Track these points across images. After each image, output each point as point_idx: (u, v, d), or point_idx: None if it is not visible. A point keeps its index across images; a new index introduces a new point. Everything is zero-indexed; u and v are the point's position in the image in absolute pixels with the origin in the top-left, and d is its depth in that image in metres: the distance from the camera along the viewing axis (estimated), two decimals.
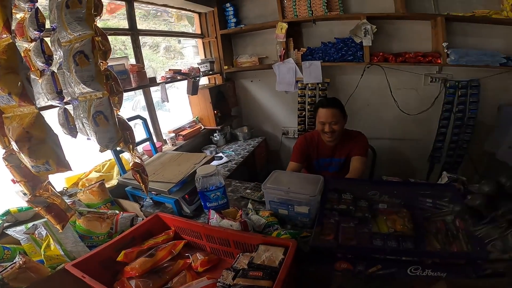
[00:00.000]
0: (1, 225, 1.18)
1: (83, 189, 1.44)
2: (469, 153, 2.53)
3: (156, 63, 2.81)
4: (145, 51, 2.49)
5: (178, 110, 2.79)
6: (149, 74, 2.05)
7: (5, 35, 0.73)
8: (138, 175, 1.05)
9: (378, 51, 2.44)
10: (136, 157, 1.09)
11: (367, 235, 0.95)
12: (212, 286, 0.88)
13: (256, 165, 2.78)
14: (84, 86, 0.81)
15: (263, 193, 1.27)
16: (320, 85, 2.66)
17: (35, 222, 1.12)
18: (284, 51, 2.64)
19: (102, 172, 1.80)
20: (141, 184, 1.08)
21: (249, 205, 1.29)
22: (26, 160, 0.79)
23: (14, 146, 0.78)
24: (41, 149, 0.79)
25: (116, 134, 0.90)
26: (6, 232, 1.13)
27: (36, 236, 1.07)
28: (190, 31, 3.02)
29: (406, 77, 2.51)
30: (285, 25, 2.54)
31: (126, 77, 1.80)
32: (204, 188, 1.29)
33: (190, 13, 2.82)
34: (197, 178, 1.30)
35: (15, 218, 1.25)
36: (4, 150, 0.87)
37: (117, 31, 2.08)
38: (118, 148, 1.60)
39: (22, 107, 0.76)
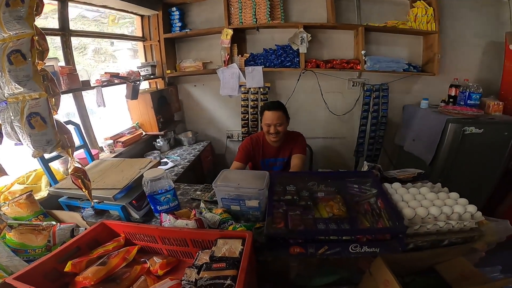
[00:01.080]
0: None
1: (7, 202, 1.27)
2: (384, 147, 3.01)
3: (83, 66, 2.56)
4: None
5: (113, 116, 2.60)
6: (82, 77, 1.90)
7: None
8: (79, 180, 0.99)
9: (311, 58, 2.71)
10: (76, 162, 1.03)
11: (311, 221, 1.06)
12: (176, 286, 0.88)
13: (203, 169, 2.79)
14: (18, 86, 0.76)
15: (215, 191, 1.31)
16: (261, 90, 2.83)
17: None
18: (228, 56, 2.72)
19: (27, 184, 1.60)
20: (84, 191, 1.02)
21: (202, 204, 1.32)
22: None
23: None
24: None
25: (54, 137, 0.86)
26: None
27: None
28: (126, 32, 2.86)
29: (334, 81, 2.85)
30: (230, 31, 2.62)
31: (55, 80, 1.64)
32: (153, 191, 1.28)
33: (130, 15, 2.68)
34: (144, 182, 1.28)
35: None
36: None
37: (47, 31, 1.87)
38: (48, 156, 1.47)
39: None
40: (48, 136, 0.86)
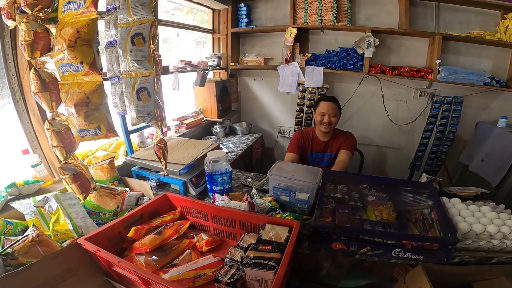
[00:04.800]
0: (5, 197, 1.17)
1: (91, 165, 1.43)
2: (445, 164, 2.77)
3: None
4: None
5: (181, 100, 2.86)
6: (164, 63, 2.14)
7: (92, 9, 0.81)
8: (161, 151, 1.14)
9: (376, 63, 2.61)
10: (161, 134, 1.19)
11: (358, 221, 1.08)
12: (218, 263, 0.94)
13: (252, 159, 2.91)
14: (136, 64, 0.89)
15: (268, 179, 1.39)
16: (319, 90, 2.82)
17: (46, 195, 1.11)
18: (290, 54, 2.78)
19: (109, 151, 1.86)
20: (162, 161, 1.17)
21: (254, 190, 1.41)
22: (78, 123, 0.87)
23: (71, 110, 0.86)
24: (96, 114, 0.87)
25: (153, 110, 0.99)
26: (11, 205, 1.11)
27: (46, 209, 1.05)
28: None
29: (398, 89, 2.71)
30: (294, 30, 2.67)
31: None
32: (212, 171, 1.39)
33: (204, 8, 2.91)
34: (207, 161, 1.40)
35: (20, 191, 1.24)
36: (50, 114, 0.94)
37: None
38: (131, 128, 1.68)
39: (88, 76, 0.84)
40: (149, 108, 0.99)
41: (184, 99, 2.85)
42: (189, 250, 1.04)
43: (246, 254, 0.85)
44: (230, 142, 2.74)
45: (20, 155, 1.36)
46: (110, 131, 0.93)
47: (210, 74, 3.09)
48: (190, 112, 2.76)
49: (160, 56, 2.03)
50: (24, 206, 1.09)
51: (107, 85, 1.03)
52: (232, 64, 3.03)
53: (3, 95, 1.40)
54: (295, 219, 1.14)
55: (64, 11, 0.83)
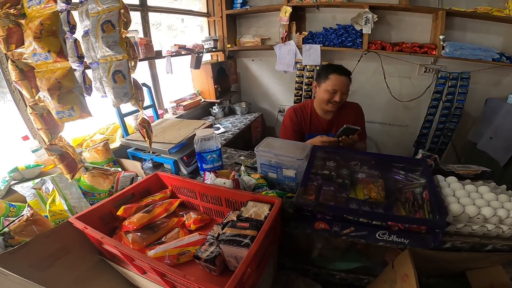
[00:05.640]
0: (8, 182, 1.21)
1: (87, 148, 1.47)
2: (453, 142, 2.67)
3: (159, 40, 2.83)
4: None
5: (180, 83, 2.87)
6: (156, 48, 2.15)
7: (50, 4, 0.88)
8: (144, 130, 1.16)
9: (376, 39, 2.52)
10: (144, 114, 1.20)
11: (344, 199, 1.04)
12: (202, 241, 0.94)
13: (252, 138, 2.92)
14: (107, 49, 0.95)
15: (256, 156, 1.38)
16: (317, 68, 2.75)
17: (43, 178, 1.14)
18: (286, 33, 2.72)
19: (106, 135, 1.90)
20: (146, 139, 1.18)
21: (242, 168, 1.40)
22: (53, 106, 0.92)
23: (45, 94, 0.91)
24: (68, 96, 0.93)
25: (130, 91, 1.03)
26: (13, 188, 1.16)
27: (43, 191, 1.09)
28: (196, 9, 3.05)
29: (401, 65, 2.61)
30: (289, 9, 2.59)
31: (135, 47, 1.90)
32: (202, 150, 1.39)
33: None
34: (196, 140, 1.39)
35: (22, 175, 1.28)
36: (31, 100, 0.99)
37: (130, 7, 2.14)
38: (125, 111, 1.70)
39: (57, 63, 0.91)
40: (126, 89, 1.04)
41: (183, 82, 2.85)
42: (177, 229, 1.05)
43: (223, 231, 0.85)
44: (228, 122, 2.75)
45: (21, 142, 1.41)
46: (84, 112, 0.98)
47: (208, 57, 3.07)
48: (188, 94, 2.76)
49: (150, 41, 2.06)
50: (25, 189, 1.14)
51: (89, 72, 1.10)
52: (229, 46, 3.00)
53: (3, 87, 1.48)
54: (279, 196, 1.11)
55: (29, 6, 0.90)
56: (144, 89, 1.87)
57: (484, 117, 2.42)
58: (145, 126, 1.18)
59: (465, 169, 1.26)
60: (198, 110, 2.75)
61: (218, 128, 2.50)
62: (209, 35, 3.06)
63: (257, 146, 1.30)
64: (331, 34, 2.62)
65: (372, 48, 2.50)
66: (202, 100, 2.81)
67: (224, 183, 1.16)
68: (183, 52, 2.36)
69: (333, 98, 1.52)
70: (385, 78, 2.65)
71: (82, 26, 1.10)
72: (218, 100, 2.78)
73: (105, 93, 1.20)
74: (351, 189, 1.12)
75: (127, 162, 1.50)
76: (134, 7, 2.16)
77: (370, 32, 2.44)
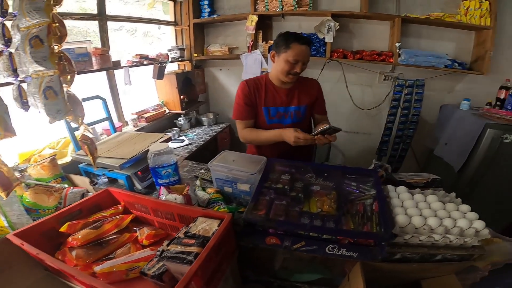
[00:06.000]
0: None
1: (33, 164, 1.40)
2: (412, 148, 2.78)
3: (132, 47, 2.75)
4: (122, 35, 2.49)
5: (144, 94, 2.78)
6: (115, 57, 2.08)
7: None
8: (86, 146, 1.11)
9: (339, 48, 2.57)
10: (86, 131, 1.14)
11: (296, 213, 1.01)
12: (153, 256, 0.91)
13: (218, 149, 2.86)
14: (37, 65, 0.92)
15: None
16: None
17: None
18: (252, 42, 2.73)
19: (57, 149, 1.79)
20: (89, 156, 1.13)
21: (197, 182, 1.36)
22: None
23: None
24: None
25: (64, 107, 1.00)
26: None
27: None
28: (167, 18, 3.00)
29: (363, 73, 2.69)
30: (255, 18, 2.61)
31: (87, 60, 1.83)
32: (156, 165, 1.34)
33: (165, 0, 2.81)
34: (149, 155, 1.34)
35: None
36: None
37: (85, 16, 2.05)
38: (73, 125, 1.62)
39: None
40: (58, 106, 1.00)
41: (148, 93, 2.76)
42: (129, 244, 1.02)
43: (168, 248, 0.83)
44: (194, 134, 2.69)
45: None
46: (8, 131, 0.93)
47: (175, 66, 3.01)
48: (152, 105, 2.68)
49: (107, 51, 1.98)
50: None
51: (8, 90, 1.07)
52: (195, 55, 2.96)
53: None
54: (230, 211, 1.10)
55: None
56: (98, 101, 1.81)
57: (439, 124, 2.54)
58: (86, 142, 1.12)
59: (416, 178, 1.29)
60: (162, 122, 2.67)
61: (183, 140, 2.43)
62: (176, 44, 3.01)
63: (212, 160, 1.28)
64: None
65: (334, 56, 2.56)
66: (167, 111, 2.73)
67: (175, 199, 1.13)
68: (145, 62, 2.28)
69: (294, 69, 1.40)
70: (347, 86, 2.73)
71: (15, 40, 1.05)
72: (184, 111, 2.71)
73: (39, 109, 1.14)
74: (305, 202, 1.10)
75: (76, 178, 1.43)
76: (91, 17, 2.07)
77: (332, 41, 2.50)
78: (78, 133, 1.83)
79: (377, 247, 0.89)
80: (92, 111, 1.78)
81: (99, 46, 2.10)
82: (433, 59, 2.38)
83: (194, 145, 2.40)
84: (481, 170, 1.96)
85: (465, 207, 0.99)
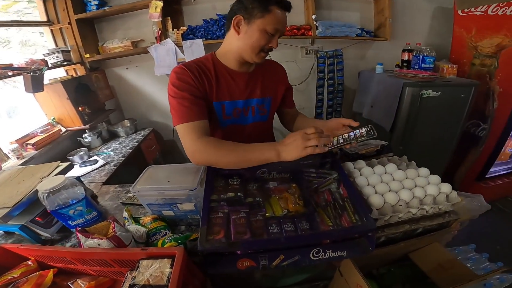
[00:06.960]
0: None
1: None
2: (343, 115, 2.90)
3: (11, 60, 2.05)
4: None
5: (25, 115, 2.12)
6: None
7: None
8: None
9: None
10: None
11: (261, 223, 0.82)
12: None
13: (147, 161, 2.45)
14: None
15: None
16: None
17: None
18: (160, 31, 2.33)
19: None
20: None
21: (125, 213, 1.03)
22: None
23: None
24: None
25: None
26: None
27: None
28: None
29: (287, 50, 2.65)
30: (160, 3, 2.20)
31: None
32: (57, 206, 0.97)
33: None
34: (40, 196, 0.96)
35: None
36: None
37: None
38: None
39: None
40: None
41: (29, 113, 2.11)
42: None
43: None
44: (109, 150, 2.19)
45: None
46: None
47: (61, 72, 2.38)
48: (39, 126, 2.06)
49: None
50: None
51: None
52: (87, 55, 2.38)
53: None
54: (180, 243, 0.85)
55: None
56: None
57: (361, 89, 2.68)
58: None
59: (366, 147, 1.24)
60: (61, 145, 2.09)
61: (96, 161, 1.93)
62: (56, 46, 2.37)
63: (134, 184, 0.95)
64: (213, 25, 2.42)
65: None
66: (64, 130, 2.15)
67: (99, 245, 0.83)
68: (9, 73, 1.69)
69: (270, 43, 1.00)
70: None
71: None
72: (88, 126, 2.17)
73: None
74: (266, 205, 0.90)
75: None
76: None
77: None
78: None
79: (363, 238, 0.79)
80: None
81: None
82: (346, 29, 2.49)
83: (113, 163, 1.93)
84: (409, 126, 2.12)
85: (424, 171, 0.99)
